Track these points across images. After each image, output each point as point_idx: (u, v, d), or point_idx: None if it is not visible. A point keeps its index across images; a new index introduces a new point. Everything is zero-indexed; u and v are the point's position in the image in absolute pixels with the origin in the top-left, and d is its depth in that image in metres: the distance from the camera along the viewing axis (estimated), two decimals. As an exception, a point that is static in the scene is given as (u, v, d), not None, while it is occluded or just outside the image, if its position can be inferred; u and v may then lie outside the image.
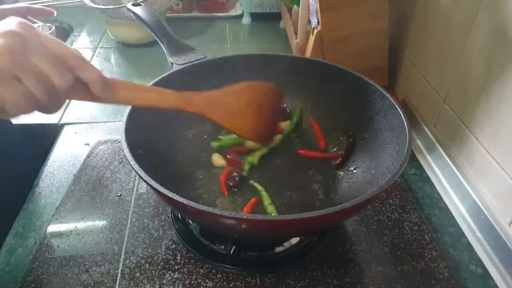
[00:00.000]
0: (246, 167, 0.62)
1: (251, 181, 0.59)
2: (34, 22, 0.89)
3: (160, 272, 0.51)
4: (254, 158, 0.63)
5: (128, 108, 0.53)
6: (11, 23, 0.35)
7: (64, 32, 1.25)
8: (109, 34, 1.14)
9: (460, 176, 0.60)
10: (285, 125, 0.68)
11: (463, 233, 0.58)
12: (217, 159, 0.63)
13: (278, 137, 0.66)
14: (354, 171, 0.59)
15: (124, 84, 0.44)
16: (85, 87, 0.39)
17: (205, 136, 0.67)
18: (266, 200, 0.56)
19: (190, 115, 0.55)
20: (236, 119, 0.55)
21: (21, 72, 0.34)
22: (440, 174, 0.65)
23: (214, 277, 0.51)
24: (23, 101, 0.34)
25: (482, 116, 0.56)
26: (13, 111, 0.35)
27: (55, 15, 0.78)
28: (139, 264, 0.52)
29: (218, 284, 0.50)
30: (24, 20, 0.36)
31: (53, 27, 1.02)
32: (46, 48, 0.35)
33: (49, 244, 0.55)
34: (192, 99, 0.50)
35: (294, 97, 0.70)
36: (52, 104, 0.37)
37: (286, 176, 0.62)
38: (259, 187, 0.58)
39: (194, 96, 0.50)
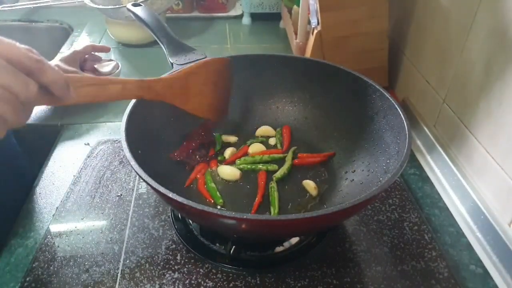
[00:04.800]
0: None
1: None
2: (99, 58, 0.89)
3: (160, 272, 0.51)
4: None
5: (128, 108, 0.53)
6: None
7: (64, 32, 1.25)
8: (109, 34, 1.14)
9: (459, 176, 0.60)
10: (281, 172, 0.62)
11: (462, 233, 0.58)
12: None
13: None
14: (354, 171, 0.59)
15: (86, 80, 0.41)
16: (47, 90, 0.35)
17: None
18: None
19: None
20: (195, 100, 0.55)
21: None
22: (439, 174, 0.65)
23: (214, 277, 0.51)
24: None
25: (481, 116, 0.56)
26: None
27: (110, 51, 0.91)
28: (139, 264, 0.52)
29: (218, 284, 0.50)
30: None
31: (119, 65, 0.90)
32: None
33: (49, 244, 0.55)
34: (152, 86, 0.49)
35: (294, 97, 0.70)
36: (19, 118, 0.32)
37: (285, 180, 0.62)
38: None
39: (154, 83, 0.50)
